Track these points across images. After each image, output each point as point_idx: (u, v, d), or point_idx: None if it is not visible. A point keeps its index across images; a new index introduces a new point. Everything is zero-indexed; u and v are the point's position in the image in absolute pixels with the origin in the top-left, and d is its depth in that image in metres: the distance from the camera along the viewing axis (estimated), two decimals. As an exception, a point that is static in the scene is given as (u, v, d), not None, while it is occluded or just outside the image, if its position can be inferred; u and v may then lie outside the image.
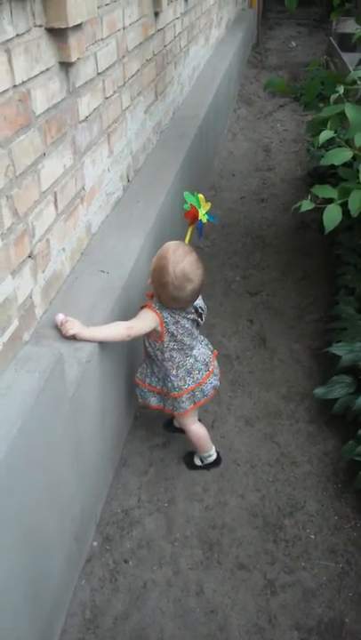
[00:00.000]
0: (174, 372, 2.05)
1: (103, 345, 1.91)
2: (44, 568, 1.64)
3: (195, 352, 2.07)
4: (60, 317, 1.83)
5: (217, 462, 2.35)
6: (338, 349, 2.66)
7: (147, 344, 2.05)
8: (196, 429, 2.26)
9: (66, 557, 1.82)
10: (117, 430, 2.31)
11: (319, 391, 2.60)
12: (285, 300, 3.40)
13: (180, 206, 3.17)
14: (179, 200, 3.15)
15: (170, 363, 2.03)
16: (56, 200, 1.87)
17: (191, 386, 2.08)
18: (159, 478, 2.32)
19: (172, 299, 1.89)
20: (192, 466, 2.35)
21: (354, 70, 3.05)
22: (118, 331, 1.91)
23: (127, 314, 2.07)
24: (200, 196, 2.15)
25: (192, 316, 2.00)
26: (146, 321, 1.95)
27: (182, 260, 1.86)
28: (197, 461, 2.35)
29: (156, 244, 2.62)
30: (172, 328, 1.96)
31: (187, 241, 2.05)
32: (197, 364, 2.08)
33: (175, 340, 1.99)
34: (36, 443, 1.47)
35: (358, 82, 2.62)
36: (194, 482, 2.31)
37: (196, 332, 2.07)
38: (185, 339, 2.00)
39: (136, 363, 2.27)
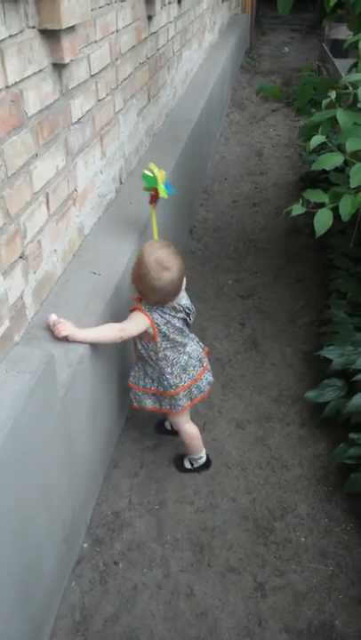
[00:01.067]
0: (169, 370, 2.05)
1: (95, 346, 1.90)
2: (33, 570, 1.63)
3: (188, 349, 2.08)
4: (53, 318, 1.83)
5: (207, 465, 2.35)
6: (329, 353, 2.67)
7: (139, 346, 2.05)
8: (190, 429, 2.26)
9: (56, 559, 1.81)
10: (108, 432, 2.30)
11: (310, 394, 2.61)
12: (277, 304, 3.41)
13: (172, 206, 3.19)
14: (171, 203, 3.16)
15: (164, 361, 2.03)
16: (48, 201, 1.87)
17: (187, 382, 2.09)
18: (150, 480, 2.31)
19: (152, 290, 1.89)
20: (182, 469, 2.35)
21: (346, 76, 3.07)
22: (111, 332, 1.91)
23: (119, 316, 2.07)
24: (153, 168, 2.19)
25: (181, 315, 2.00)
26: (137, 323, 1.95)
27: (156, 251, 1.89)
28: (187, 464, 2.35)
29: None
30: (164, 328, 1.96)
31: (154, 222, 2.05)
32: (191, 361, 2.09)
33: (168, 340, 1.99)
34: (26, 444, 1.46)
35: (350, 87, 2.64)
36: (185, 484, 2.31)
37: (187, 330, 2.07)
38: (177, 337, 2.01)
39: (127, 364, 2.27)
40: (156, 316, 1.95)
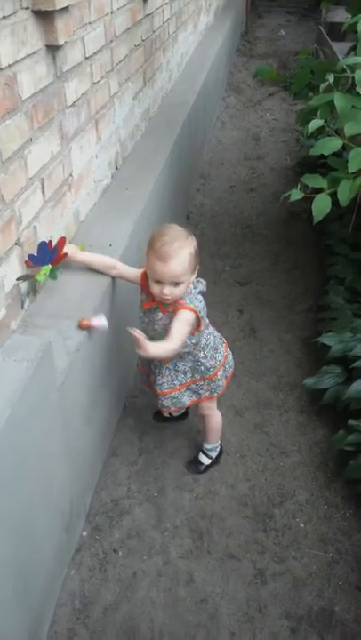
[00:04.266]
0: (203, 355, 2.00)
1: (92, 335, 1.88)
2: (32, 558, 1.62)
3: (210, 328, 2.04)
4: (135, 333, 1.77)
5: (221, 452, 2.34)
6: (327, 339, 2.66)
7: None
8: (219, 414, 2.24)
9: (55, 547, 1.81)
10: (107, 420, 2.29)
11: (309, 381, 2.60)
12: (275, 290, 3.39)
13: (168, 191, 3.16)
14: (168, 185, 3.13)
15: (198, 347, 1.98)
16: (43, 186, 1.84)
17: (221, 361, 2.06)
18: (149, 468, 2.31)
19: (195, 256, 1.82)
20: (202, 468, 2.29)
21: (343, 59, 3.02)
22: (170, 347, 1.83)
23: (116, 303, 2.05)
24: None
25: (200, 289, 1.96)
26: (187, 321, 1.86)
27: (164, 229, 1.84)
28: (206, 460, 2.30)
29: (145, 231, 2.59)
30: (203, 313, 1.91)
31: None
32: (216, 339, 2.06)
33: (204, 324, 1.96)
34: (24, 433, 1.45)
35: (347, 70, 2.60)
36: (184, 472, 2.30)
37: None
38: (205, 318, 1.97)
39: (125, 352, 2.24)
40: (196, 303, 1.88)
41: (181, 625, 1.84)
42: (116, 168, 2.70)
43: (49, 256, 1.83)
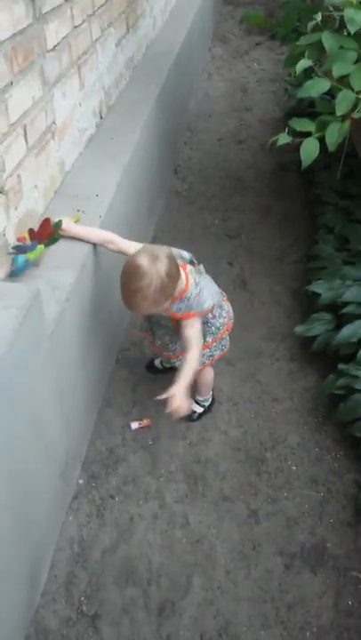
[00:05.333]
0: (211, 315, 2.01)
1: (82, 284, 1.87)
2: (29, 504, 1.65)
3: (214, 287, 2.00)
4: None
5: (213, 402, 2.37)
6: (317, 287, 2.67)
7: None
8: (212, 369, 2.26)
9: (52, 494, 1.84)
10: (100, 370, 2.30)
11: (299, 329, 2.61)
12: (265, 242, 3.37)
13: (155, 143, 3.10)
14: (154, 137, 3.07)
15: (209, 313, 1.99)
16: (26, 133, 1.80)
17: (226, 317, 2.09)
18: (143, 418, 2.33)
19: (172, 284, 1.75)
20: (195, 417, 2.32)
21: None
22: (197, 359, 1.88)
23: (105, 254, 2.03)
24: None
25: (191, 267, 1.93)
26: (197, 326, 1.89)
27: (131, 264, 1.73)
28: (199, 409, 2.33)
29: (131, 181, 2.56)
30: (205, 293, 1.88)
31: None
32: (217, 296, 2.02)
33: (210, 296, 1.92)
34: (15, 380, 1.45)
35: (333, 10, 2.52)
36: (177, 420, 2.32)
37: (202, 270, 1.99)
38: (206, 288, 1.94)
39: (116, 304, 2.23)
40: (204, 306, 1.87)
41: (178, 565, 1.89)
42: (101, 117, 2.64)
43: (32, 244, 1.77)
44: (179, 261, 1.85)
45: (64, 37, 2.09)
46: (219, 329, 2.06)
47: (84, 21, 2.30)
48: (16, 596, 1.63)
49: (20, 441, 1.53)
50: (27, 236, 1.78)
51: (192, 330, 1.88)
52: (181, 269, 1.83)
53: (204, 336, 2.02)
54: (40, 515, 1.75)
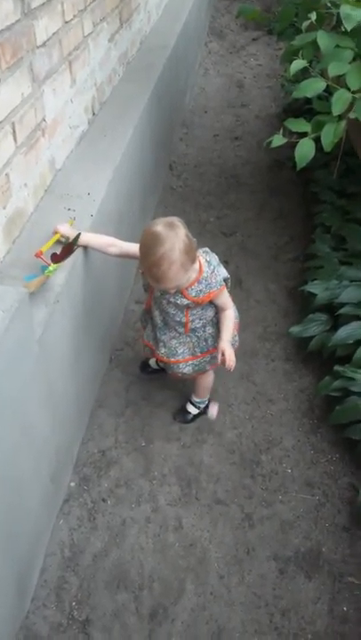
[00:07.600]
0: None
1: (72, 285, 1.84)
2: (19, 509, 1.62)
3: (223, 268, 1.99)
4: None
5: (207, 405, 2.33)
6: (313, 287, 2.64)
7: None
8: (212, 373, 2.22)
9: (42, 497, 1.81)
10: (92, 372, 2.27)
11: (295, 329, 2.58)
12: (261, 241, 3.34)
13: (149, 140, 3.06)
14: (148, 133, 3.03)
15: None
16: (14, 131, 1.75)
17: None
18: (136, 419, 2.30)
19: (192, 249, 1.73)
20: (189, 418, 2.29)
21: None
22: (233, 316, 1.98)
23: (95, 254, 2.00)
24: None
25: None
26: (226, 294, 1.93)
27: (151, 230, 1.71)
28: (193, 409, 2.29)
29: (124, 179, 2.52)
30: (220, 269, 1.89)
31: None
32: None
33: (224, 270, 1.94)
34: (3, 384, 1.42)
35: (331, 7, 2.48)
36: (171, 422, 2.30)
37: (208, 250, 1.98)
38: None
39: (107, 305, 2.20)
40: (219, 279, 1.87)
41: (171, 569, 1.87)
42: (93, 114, 2.60)
43: (42, 267, 1.75)
44: None
45: (54, 33, 2.05)
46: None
47: (75, 16, 2.26)
48: (4, 601, 1.60)
49: (8, 444, 1.50)
50: (43, 255, 1.76)
51: (222, 298, 1.91)
52: None
53: (213, 339, 2.01)
54: (29, 519, 1.72)
